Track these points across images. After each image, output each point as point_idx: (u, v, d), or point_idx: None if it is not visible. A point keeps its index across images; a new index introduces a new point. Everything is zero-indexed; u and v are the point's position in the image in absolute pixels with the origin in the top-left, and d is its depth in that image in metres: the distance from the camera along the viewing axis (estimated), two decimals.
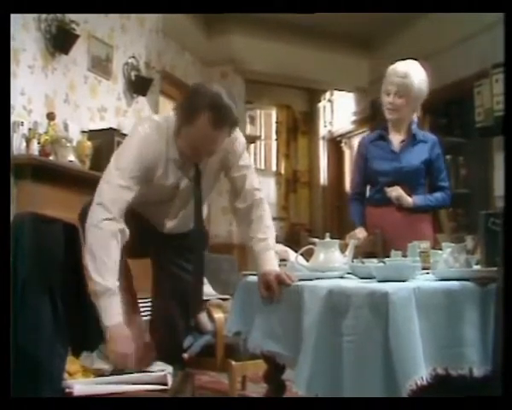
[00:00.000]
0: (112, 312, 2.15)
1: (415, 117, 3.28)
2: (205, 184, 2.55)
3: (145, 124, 2.45)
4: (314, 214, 8.63)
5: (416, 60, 3.23)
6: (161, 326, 2.65)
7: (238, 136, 2.51)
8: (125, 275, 2.47)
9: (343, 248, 2.29)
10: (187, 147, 2.36)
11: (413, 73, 3.12)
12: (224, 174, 2.57)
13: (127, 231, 2.27)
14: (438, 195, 3.24)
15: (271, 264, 2.27)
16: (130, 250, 2.38)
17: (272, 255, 2.33)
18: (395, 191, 3.14)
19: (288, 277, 2.12)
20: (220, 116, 2.26)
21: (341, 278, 2.18)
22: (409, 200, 3.14)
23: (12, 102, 3.52)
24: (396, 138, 3.25)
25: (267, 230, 2.41)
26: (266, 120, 9.01)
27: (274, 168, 8.91)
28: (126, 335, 2.18)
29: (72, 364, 2.31)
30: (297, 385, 1.84)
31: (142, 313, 2.69)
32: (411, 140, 3.22)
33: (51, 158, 3.73)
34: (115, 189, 2.27)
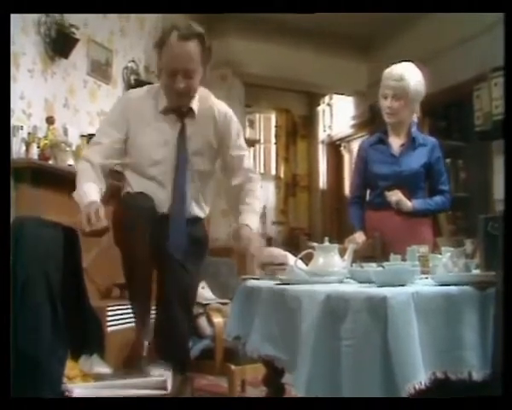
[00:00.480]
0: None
1: (415, 118, 3.28)
2: (198, 161, 2.69)
3: (133, 90, 2.92)
4: (313, 218, 8.63)
5: (412, 62, 3.24)
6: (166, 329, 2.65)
7: (233, 117, 2.79)
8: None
9: (342, 253, 2.29)
10: (168, 78, 2.57)
11: (408, 74, 3.14)
12: (221, 155, 2.78)
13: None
14: (437, 198, 3.24)
15: (251, 221, 2.64)
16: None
17: (255, 216, 2.71)
18: (395, 195, 3.14)
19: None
20: (184, 29, 2.53)
21: (340, 282, 2.18)
22: (408, 204, 3.15)
23: (11, 106, 3.52)
24: (396, 142, 3.25)
25: (255, 200, 2.76)
26: (265, 124, 9.01)
27: (273, 172, 8.92)
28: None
29: (71, 369, 2.30)
30: (296, 389, 1.84)
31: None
32: (411, 143, 3.23)
33: (50, 162, 3.73)
34: (98, 135, 2.68)
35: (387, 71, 3.19)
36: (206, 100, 2.74)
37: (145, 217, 2.48)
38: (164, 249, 2.51)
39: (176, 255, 2.53)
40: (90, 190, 2.48)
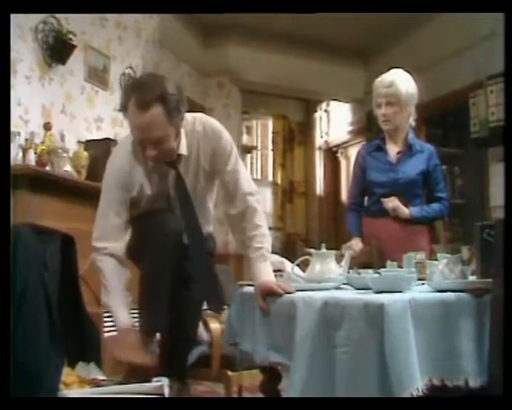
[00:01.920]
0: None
1: (411, 121, 3.28)
2: (195, 186, 2.54)
3: (115, 149, 2.61)
4: (310, 225, 8.63)
5: (409, 70, 3.26)
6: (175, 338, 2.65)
7: (223, 135, 2.51)
8: None
9: (339, 259, 2.29)
10: (138, 146, 2.37)
11: (398, 79, 3.16)
12: (217, 177, 2.58)
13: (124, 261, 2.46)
14: (435, 206, 3.25)
15: (268, 274, 2.28)
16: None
17: (268, 266, 2.33)
18: (392, 202, 3.15)
19: (284, 288, 2.12)
20: (143, 94, 2.25)
21: (337, 288, 2.18)
22: (405, 211, 3.15)
23: None
24: (393, 149, 3.26)
25: (263, 239, 2.40)
26: (263, 131, 9.02)
27: (270, 178, 8.91)
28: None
29: (68, 375, 2.30)
30: (290, 396, 1.84)
31: None
32: (408, 151, 3.24)
33: (48, 168, 3.72)
34: (106, 220, 2.44)
35: (378, 80, 3.23)
36: (192, 129, 2.50)
37: (175, 238, 2.43)
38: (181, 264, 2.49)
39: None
40: (122, 310, 2.40)
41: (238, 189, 2.48)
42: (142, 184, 2.46)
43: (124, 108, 2.32)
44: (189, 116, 2.51)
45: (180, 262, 2.46)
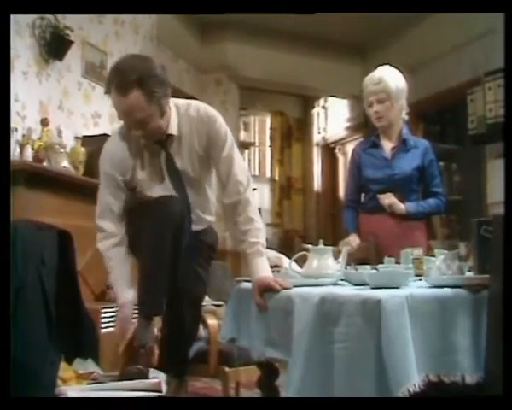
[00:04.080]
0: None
1: (404, 115, 3.28)
2: (189, 170, 2.54)
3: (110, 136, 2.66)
4: (308, 221, 8.63)
5: (407, 67, 3.27)
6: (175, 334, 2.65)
7: (218, 121, 2.51)
8: None
9: (336, 255, 2.30)
10: (125, 126, 2.44)
11: (386, 75, 3.19)
12: (213, 164, 2.58)
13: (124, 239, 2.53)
14: (431, 201, 3.25)
15: (265, 270, 2.28)
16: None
17: (265, 261, 2.33)
18: (388, 198, 3.15)
19: (282, 283, 2.12)
20: (121, 79, 2.30)
21: (335, 284, 2.18)
22: (401, 207, 3.16)
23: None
24: (387, 145, 3.27)
25: (258, 233, 2.39)
26: (260, 127, 9.01)
27: (268, 175, 8.91)
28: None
29: (65, 370, 2.30)
30: (287, 393, 1.85)
31: None
32: (403, 146, 3.25)
33: (45, 164, 3.72)
34: (105, 204, 2.53)
35: (366, 79, 3.25)
36: (185, 113, 2.51)
37: (176, 222, 2.45)
38: (181, 256, 2.49)
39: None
40: (121, 286, 2.50)
41: (231, 175, 2.47)
42: (135, 166, 2.51)
43: (108, 92, 2.37)
44: (183, 101, 2.55)
45: (182, 245, 2.48)
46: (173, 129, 2.48)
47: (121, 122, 2.50)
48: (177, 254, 2.46)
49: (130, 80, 2.28)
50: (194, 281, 2.64)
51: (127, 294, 2.48)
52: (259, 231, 2.40)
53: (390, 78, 3.17)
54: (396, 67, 3.27)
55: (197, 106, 2.54)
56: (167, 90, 2.41)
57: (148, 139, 2.46)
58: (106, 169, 2.54)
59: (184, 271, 2.54)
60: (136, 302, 2.47)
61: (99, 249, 2.55)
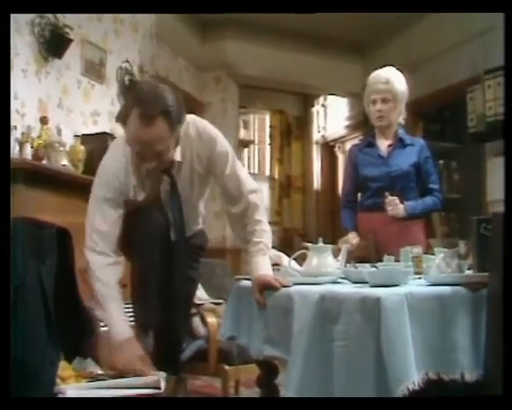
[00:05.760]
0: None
1: (401, 119, 3.32)
2: (188, 190, 2.53)
3: (109, 151, 2.52)
4: (307, 219, 8.64)
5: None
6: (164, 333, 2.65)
7: (219, 140, 2.46)
8: None
9: (336, 253, 2.30)
10: (136, 158, 2.31)
11: (394, 77, 3.23)
12: (214, 179, 2.55)
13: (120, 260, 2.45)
14: (428, 199, 3.28)
15: (265, 268, 2.28)
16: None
17: (267, 260, 2.33)
18: (391, 205, 3.15)
19: (281, 281, 2.13)
20: (146, 109, 2.17)
21: (334, 282, 2.18)
22: (401, 212, 3.16)
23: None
24: (383, 143, 3.31)
25: (263, 234, 2.40)
26: (260, 125, 9.01)
27: (267, 173, 8.91)
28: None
29: (64, 369, 2.30)
30: (287, 391, 1.85)
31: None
32: (399, 144, 3.28)
33: (44, 162, 3.72)
34: (97, 220, 2.42)
35: (373, 76, 3.27)
36: (185, 134, 2.42)
37: (162, 233, 2.48)
38: (172, 256, 2.51)
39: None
40: (120, 320, 2.39)
41: (241, 189, 2.45)
42: (135, 191, 2.44)
43: (123, 120, 2.25)
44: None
45: (167, 258, 2.49)
46: (178, 155, 2.41)
47: (120, 138, 2.46)
48: (169, 263, 2.49)
49: (156, 110, 2.17)
50: (184, 282, 2.64)
51: (128, 328, 2.39)
52: (265, 232, 2.41)
53: (397, 80, 3.23)
54: (395, 66, 3.29)
55: (195, 124, 2.46)
56: (183, 120, 2.33)
57: (155, 171, 2.37)
58: (103, 188, 2.42)
59: (175, 274, 2.55)
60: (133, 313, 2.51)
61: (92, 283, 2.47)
